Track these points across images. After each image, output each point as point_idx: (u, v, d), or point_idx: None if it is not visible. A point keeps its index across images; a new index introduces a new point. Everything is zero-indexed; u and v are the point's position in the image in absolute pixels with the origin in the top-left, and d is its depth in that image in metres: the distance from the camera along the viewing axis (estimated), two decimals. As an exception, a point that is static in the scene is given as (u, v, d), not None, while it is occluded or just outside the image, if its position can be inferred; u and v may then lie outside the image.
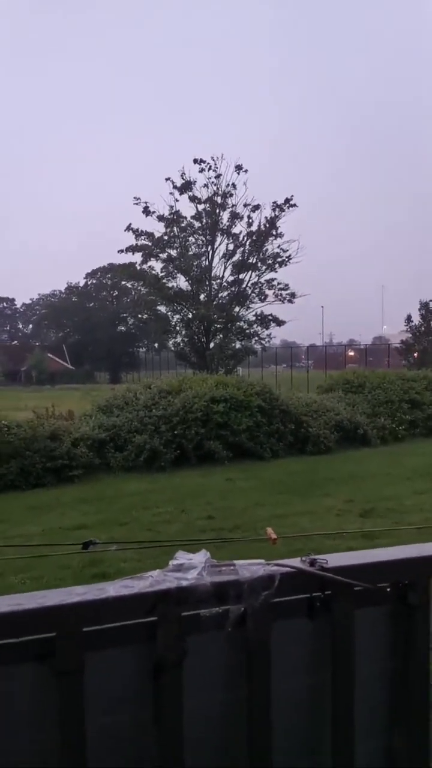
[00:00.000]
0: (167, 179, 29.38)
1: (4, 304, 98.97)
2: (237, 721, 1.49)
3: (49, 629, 1.31)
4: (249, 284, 30.44)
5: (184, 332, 31.51)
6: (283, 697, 1.51)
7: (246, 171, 29.21)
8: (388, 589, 1.62)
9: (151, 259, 30.27)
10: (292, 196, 29.52)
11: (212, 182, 29.30)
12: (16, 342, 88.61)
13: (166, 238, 29.80)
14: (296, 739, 1.57)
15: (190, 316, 30.39)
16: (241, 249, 30.05)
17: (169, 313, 31.88)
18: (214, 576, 1.42)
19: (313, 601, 1.52)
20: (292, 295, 30.35)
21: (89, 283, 74.45)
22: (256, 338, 31.75)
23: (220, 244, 30.37)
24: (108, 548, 2.87)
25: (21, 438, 11.39)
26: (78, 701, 1.33)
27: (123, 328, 67.91)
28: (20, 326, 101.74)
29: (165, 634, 1.38)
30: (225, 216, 29.87)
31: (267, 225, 29.40)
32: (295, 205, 29.39)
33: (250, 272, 30.28)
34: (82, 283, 75.52)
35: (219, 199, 29.45)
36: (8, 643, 1.29)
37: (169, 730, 1.40)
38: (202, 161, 29.06)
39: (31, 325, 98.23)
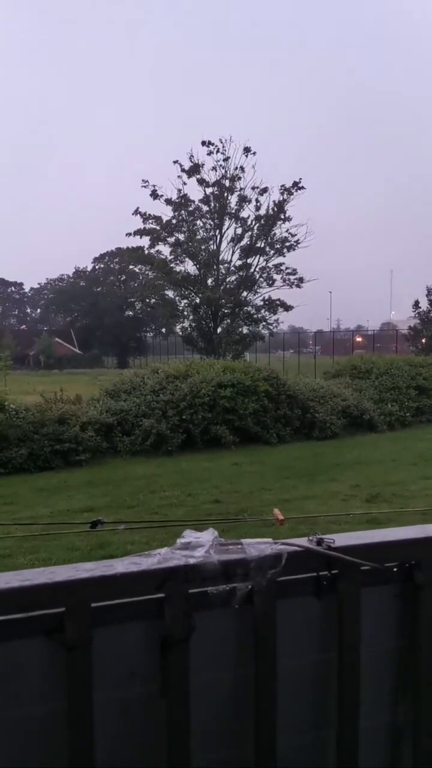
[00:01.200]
0: (175, 162, 29.16)
1: (13, 289, 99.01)
2: (243, 697, 1.52)
3: (58, 604, 1.33)
4: (257, 269, 30.27)
5: (191, 317, 31.43)
6: (289, 673, 1.53)
7: (254, 153, 28.91)
8: (395, 569, 1.63)
9: (159, 243, 30.13)
10: (301, 179, 29.23)
11: (220, 165, 29.04)
12: (24, 326, 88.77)
13: (174, 222, 29.63)
14: (302, 715, 1.60)
15: (198, 300, 30.29)
16: (249, 233, 29.84)
17: (177, 298, 31.78)
18: (222, 554, 1.43)
19: (319, 580, 1.54)
20: (300, 279, 30.15)
21: (97, 267, 74.24)
22: (264, 323, 31.63)
23: (228, 228, 30.19)
24: (116, 528, 2.91)
25: (29, 422, 11.47)
26: (86, 676, 1.35)
27: (130, 312, 67.79)
28: (28, 311, 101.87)
29: (172, 611, 1.40)
30: (233, 200, 29.63)
31: (275, 209, 29.14)
32: (303, 188, 29.10)
33: (258, 256, 30.08)
34: (89, 268, 75.37)
35: (227, 183, 29.19)
36: (18, 618, 1.31)
37: (176, 705, 1.42)
38: (210, 143, 28.78)
39: (39, 310, 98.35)
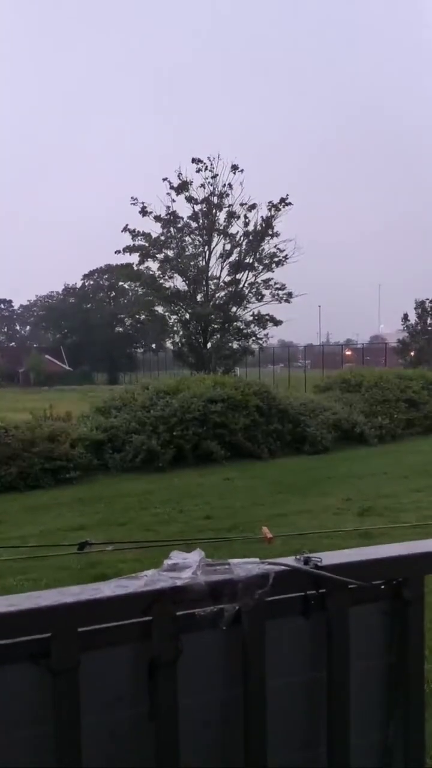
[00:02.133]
0: (164, 179, 29.45)
1: (2, 306, 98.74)
2: (232, 719, 1.50)
3: (45, 629, 1.31)
4: (246, 284, 30.52)
5: (181, 333, 31.55)
6: (278, 694, 1.52)
7: (242, 171, 29.27)
8: (383, 587, 1.63)
9: (148, 259, 30.32)
10: (288, 195, 29.60)
11: (209, 182, 29.35)
12: (13, 344, 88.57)
13: (162, 238, 29.83)
14: (292, 736, 1.58)
15: (188, 316, 30.43)
16: (238, 249, 30.10)
17: (167, 314, 31.93)
18: (209, 575, 1.43)
19: (307, 599, 1.53)
20: (289, 294, 30.41)
21: (86, 284, 74.37)
22: (254, 338, 31.81)
23: (216, 245, 30.45)
24: (104, 549, 2.88)
25: (19, 439, 11.39)
26: (74, 700, 1.33)
27: (120, 329, 67.86)
28: (18, 328, 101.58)
29: (160, 634, 1.39)
30: (221, 216, 29.92)
31: (263, 224, 29.44)
32: (290, 204, 29.46)
33: (246, 272, 30.34)
34: (79, 285, 75.47)
35: (215, 199, 29.48)
36: (4, 644, 1.30)
37: (164, 728, 1.41)
38: (199, 161, 29.10)
39: (28, 327, 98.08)
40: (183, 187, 29.35)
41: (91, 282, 73.57)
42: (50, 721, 1.33)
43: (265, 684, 1.48)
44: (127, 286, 56.32)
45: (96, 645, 1.37)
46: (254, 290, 30.61)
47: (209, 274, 30.62)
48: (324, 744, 1.57)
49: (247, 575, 1.42)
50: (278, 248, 29.71)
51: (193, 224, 30.03)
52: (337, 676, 1.56)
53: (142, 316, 35.66)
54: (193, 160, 29.10)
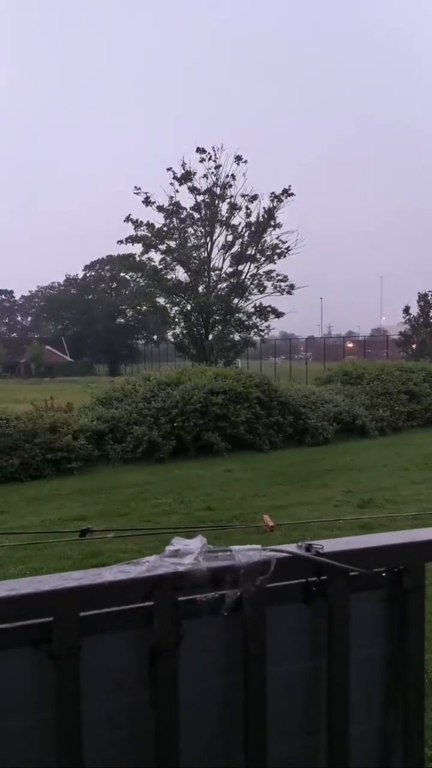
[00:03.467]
0: (168, 169, 29.27)
1: (3, 296, 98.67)
2: (233, 705, 1.51)
3: (46, 614, 1.32)
4: (248, 276, 30.37)
5: (183, 324, 31.47)
6: (279, 681, 1.53)
7: (245, 161, 29.08)
8: (384, 574, 1.64)
9: (151, 250, 30.18)
10: (290, 186, 29.41)
11: (212, 173, 29.19)
12: (14, 334, 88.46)
13: (165, 229, 29.70)
14: (292, 723, 1.59)
15: (189, 307, 30.35)
16: (240, 240, 29.96)
17: (168, 305, 31.82)
18: (211, 561, 1.43)
19: (308, 586, 1.54)
20: (291, 286, 30.28)
21: (88, 275, 74.18)
22: (255, 330, 31.70)
23: (219, 236, 30.30)
24: (105, 536, 2.90)
25: (20, 430, 11.41)
26: (75, 685, 1.34)
27: (122, 320, 67.72)
28: (19, 318, 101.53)
29: (161, 619, 1.39)
30: (224, 207, 29.77)
31: (265, 216, 29.30)
32: (292, 194, 29.28)
33: (248, 263, 30.20)
34: (80, 275, 75.29)
35: (218, 190, 29.33)
36: (5, 628, 1.30)
37: (165, 713, 1.41)
38: (203, 150, 28.92)
39: (29, 318, 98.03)
40: (186, 177, 29.20)
41: (93, 273, 73.37)
42: (51, 707, 1.34)
43: (265, 671, 1.49)
44: (128, 277, 56.23)
45: (97, 630, 1.37)
46: (256, 282, 30.49)
47: (211, 265, 30.52)
48: (324, 731, 1.58)
49: (248, 561, 1.42)
50: (280, 240, 29.59)
51: (196, 215, 29.91)
52: (337, 664, 1.56)
53: (144, 307, 35.52)
54: (197, 150, 28.93)
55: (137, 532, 5.78)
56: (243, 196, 29.29)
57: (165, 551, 1.45)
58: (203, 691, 1.50)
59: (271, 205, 29.24)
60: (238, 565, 1.42)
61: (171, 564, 1.40)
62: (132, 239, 29.86)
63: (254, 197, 29.20)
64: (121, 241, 30.22)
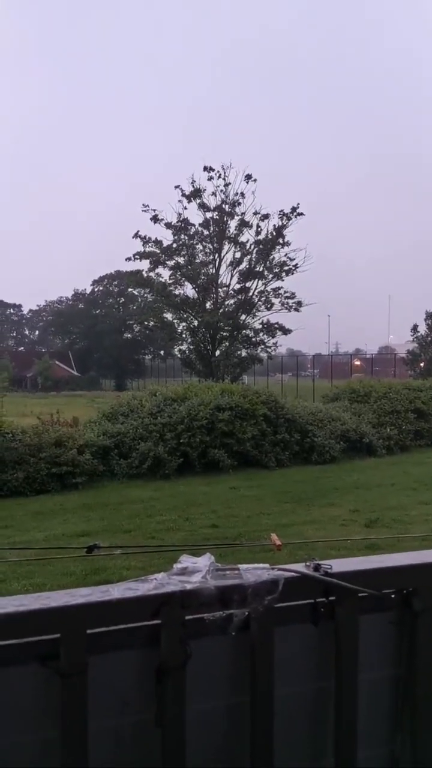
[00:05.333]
0: (176, 187, 29.59)
1: (11, 310, 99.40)
2: (240, 726, 1.48)
3: (54, 630, 1.31)
4: (255, 292, 30.51)
5: (190, 340, 31.57)
6: (286, 702, 1.50)
7: (255, 180, 29.36)
8: (393, 596, 1.61)
9: (159, 266, 30.40)
10: (299, 204, 29.65)
11: (221, 190, 29.47)
12: (22, 348, 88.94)
13: (174, 245, 29.94)
14: (299, 745, 1.56)
15: (196, 323, 30.47)
16: (248, 257, 30.15)
17: (175, 321, 31.95)
18: (218, 580, 1.41)
19: (317, 607, 1.52)
20: (299, 303, 30.39)
21: (96, 290, 74.66)
22: (262, 346, 31.75)
23: (227, 252, 30.51)
24: (112, 552, 2.87)
25: (26, 444, 11.42)
26: (81, 703, 1.32)
27: (129, 335, 67.96)
28: (27, 332, 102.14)
29: (168, 638, 1.37)
30: (233, 224, 30.01)
31: (274, 233, 29.49)
32: (302, 214, 29.50)
33: (256, 280, 30.36)
34: (88, 290, 75.77)
35: (227, 208, 29.60)
36: (12, 644, 1.29)
37: (171, 733, 1.39)
38: (211, 169, 29.24)
39: (37, 332, 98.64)
40: (195, 194, 29.49)
41: (101, 288, 73.84)
42: (57, 724, 1.32)
43: (273, 692, 1.46)
44: (136, 293, 56.58)
45: (104, 648, 1.36)
46: (264, 298, 30.62)
47: (219, 282, 30.70)
48: (331, 755, 1.55)
49: (256, 580, 1.40)
50: (288, 257, 29.77)
51: (204, 232, 30.15)
52: (345, 686, 1.53)
53: (151, 323, 35.69)
54: (205, 168, 29.26)
55: (143, 550, 5.74)
56: (255, 213, 29.52)
57: (173, 569, 1.43)
58: (210, 711, 1.47)
59: (280, 223, 29.47)
60: (246, 584, 1.40)
61: (179, 582, 1.39)
62: (140, 255, 30.11)
63: (265, 216, 29.44)
64: (130, 258, 30.49)
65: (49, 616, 1.30)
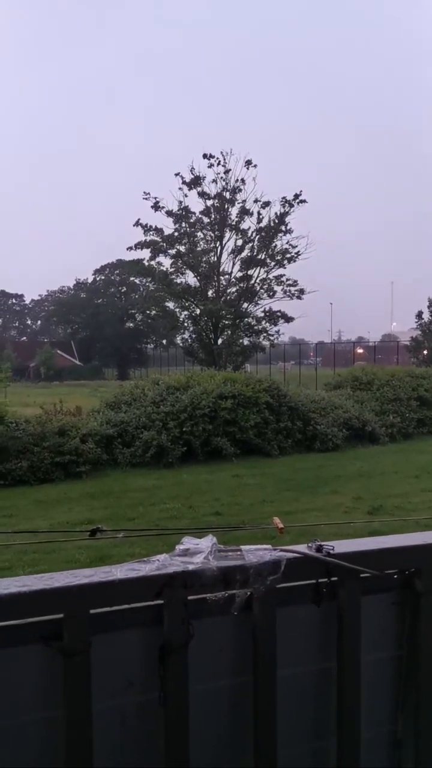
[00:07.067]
0: (176, 174, 29.37)
1: (13, 300, 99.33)
2: (242, 705, 1.50)
3: (57, 610, 1.31)
4: (257, 280, 30.38)
5: (192, 328, 31.52)
6: (288, 682, 1.51)
7: (255, 166, 29.13)
8: (395, 576, 1.62)
9: (160, 255, 30.28)
10: (301, 191, 29.42)
11: (221, 177, 29.27)
12: (24, 338, 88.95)
13: (175, 234, 29.80)
14: (301, 724, 1.58)
15: (198, 312, 30.40)
16: (250, 245, 29.99)
17: (177, 310, 31.89)
18: (221, 561, 1.42)
19: (319, 587, 1.52)
20: (301, 291, 30.25)
21: (98, 279, 74.49)
22: (265, 334, 31.66)
23: (228, 240, 30.34)
24: (116, 535, 2.89)
25: (29, 434, 11.45)
26: (85, 683, 1.33)
27: (131, 324, 67.91)
28: (29, 322, 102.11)
29: (171, 618, 1.38)
30: (234, 211, 29.82)
31: (276, 221, 29.31)
32: (304, 201, 29.29)
33: (258, 268, 30.20)
34: (90, 280, 75.65)
35: (228, 195, 29.41)
36: (16, 624, 1.30)
37: (174, 713, 1.40)
38: (211, 156, 29.02)
39: (39, 322, 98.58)
40: (195, 182, 29.29)
41: (103, 277, 73.67)
42: (61, 704, 1.33)
43: (275, 672, 1.47)
44: (138, 282, 56.43)
45: (107, 627, 1.37)
46: (266, 286, 30.49)
47: (220, 270, 30.57)
48: (334, 734, 1.57)
49: (259, 561, 1.41)
50: (290, 244, 29.60)
51: (205, 219, 29.98)
52: (347, 667, 1.54)
53: (153, 312, 35.64)
54: (205, 156, 29.04)
55: (146, 533, 5.77)
56: (256, 201, 29.32)
57: (175, 550, 1.44)
58: (212, 691, 1.48)
59: (282, 211, 29.27)
60: (248, 564, 1.41)
61: (181, 563, 1.39)
62: (141, 245, 29.98)
63: (266, 203, 29.24)
64: (131, 248, 30.36)
65: (52, 596, 1.31)
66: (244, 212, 29.50)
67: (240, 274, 30.46)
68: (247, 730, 1.49)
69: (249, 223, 29.88)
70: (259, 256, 29.97)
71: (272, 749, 1.47)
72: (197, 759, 1.42)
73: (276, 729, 1.48)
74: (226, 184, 29.31)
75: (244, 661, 1.48)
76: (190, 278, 30.47)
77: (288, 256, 29.66)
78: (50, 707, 1.34)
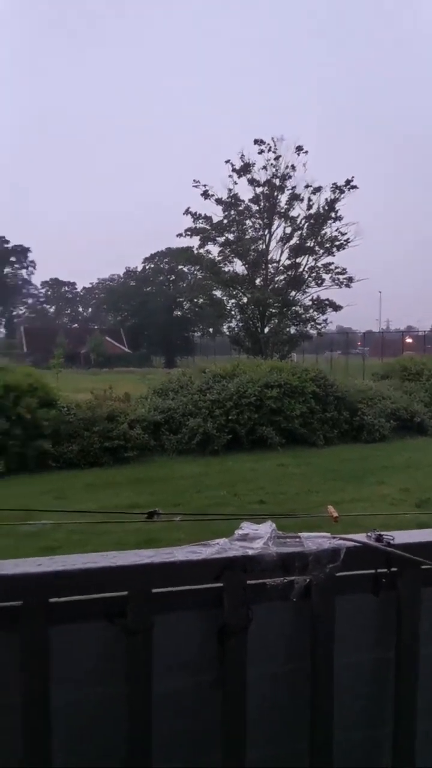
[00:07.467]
0: (227, 161, 29.26)
1: (66, 288, 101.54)
2: (299, 690, 1.52)
3: (121, 588, 1.36)
4: (306, 268, 30.03)
5: (238, 317, 31.47)
6: (345, 670, 1.52)
7: (306, 152, 28.68)
8: None
9: (209, 243, 30.28)
10: (353, 177, 28.82)
11: (271, 164, 28.95)
12: (76, 325, 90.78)
13: (224, 221, 29.71)
14: (358, 713, 1.59)
15: (245, 300, 30.30)
16: (299, 232, 29.63)
17: (224, 298, 31.87)
18: (280, 547, 1.44)
19: (378, 577, 1.52)
20: (350, 279, 29.74)
21: (147, 267, 75.14)
22: (312, 323, 31.33)
23: (277, 228, 30.08)
24: (172, 519, 2.94)
25: (80, 418, 11.74)
26: (147, 661, 1.38)
27: (179, 312, 68.28)
28: (80, 309, 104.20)
29: (231, 601, 1.41)
30: (283, 198, 29.49)
31: (326, 207, 28.82)
32: (355, 187, 28.70)
33: (307, 256, 29.84)
34: (140, 268, 76.40)
35: (277, 182, 29.09)
36: (83, 600, 1.35)
37: (232, 695, 1.43)
38: (261, 142, 28.74)
39: (90, 309, 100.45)
40: (245, 169, 29.08)
41: (152, 265, 74.24)
42: (122, 681, 1.38)
43: (332, 660, 1.48)
44: (186, 270, 56.62)
45: (168, 608, 1.40)
46: (314, 274, 30.12)
47: (269, 258, 30.35)
48: (389, 725, 1.57)
49: (318, 549, 1.42)
50: (340, 232, 29.09)
51: (254, 207, 29.76)
52: (405, 657, 1.54)
53: (200, 300, 35.73)
54: (255, 142, 28.77)
55: (203, 517, 5.83)
56: (306, 186, 28.88)
57: (234, 534, 1.47)
58: (269, 676, 1.51)
59: (333, 197, 28.75)
60: (307, 551, 1.42)
61: (240, 547, 1.42)
62: (191, 231, 30.03)
63: (317, 189, 28.77)
64: (180, 235, 30.45)
65: (117, 574, 1.35)
66: (294, 198, 29.12)
67: (288, 262, 30.21)
68: (304, 715, 1.50)
69: (298, 210, 29.52)
70: (308, 244, 29.58)
71: (328, 735, 1.49)
72: (254, 741, 1.45)
73: (332, 713, 1.49)
74: (276, 170, 29.00)
75: (302, 648, 1.50)
76: (238, 266, 30.40)
77: (337, 243, 29.18)
78: (112, 684, 1.39)
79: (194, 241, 30.85)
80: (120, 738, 1.39)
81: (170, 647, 1.43)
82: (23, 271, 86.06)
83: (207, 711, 1.46)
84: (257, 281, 30.24)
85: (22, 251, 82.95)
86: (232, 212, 29.76)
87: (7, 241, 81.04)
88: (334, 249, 29.37)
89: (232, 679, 1.43)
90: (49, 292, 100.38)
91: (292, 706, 1.53)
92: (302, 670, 1.50)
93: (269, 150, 28.79)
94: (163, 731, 1.42)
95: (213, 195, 29.31)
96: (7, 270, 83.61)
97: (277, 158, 28.85)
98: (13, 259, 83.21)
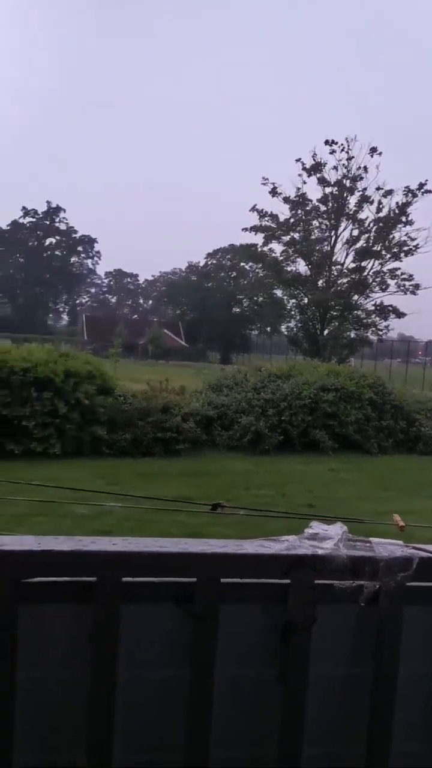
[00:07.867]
0: (297, 160, 29.03)
1: (128, 279, 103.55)
2: (358, 696, 1.49)
3: (190, 574, 1.37)
4: (370, 272, 29.47)
5: (298, 317, 31.23)
6: (408, 679, 1.49)
7: (380, 153, 28.11)
8: None
9: (273, 241, 30.16)
10: (427, 180, 28.02)
11: (343, 164, 28.52)
12: (136, 316, 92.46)
13: (292, 220, 29.50)
14: (417, 724, 1.55)
15: (306, 301, 30.02)
16: (366, 235, 29.09)
17: (285, 298, 31.70)
18: (350, 550, 1.42)
19: None
20: (416, 286, 29.00)
21: (209, 263, 75.62)
22: (373, 329, 30.75)
23: (344, 230, 29.63)
24: (236, 512, 2.96)
25: (135, 408, 11.95)
26: (211, 648, 1.39)
27: (238, 309, 68.43)
28: (141, 301, 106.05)
29: (297, 598, 1.40)
30: (352, 200, 29.01)
31: (397, 211, 28.16)
32: (429, 191, 27.88)
33: (372, 260, 29.28)
34: (202, 263, 76.98)
35: (348, 183, 28.63)
36: (152, 582, 1.38)
37: (293, 692, 1.43)
38: (333, 142, 28.35)
39: (150, 301, 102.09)
40: (316, 168, 28.77)
41: (214, 261, 74.65)
42: (186, 665, 1.39)
43: (397, 669, 1.45)
44: (248, 267, 56.64)
45: (235, 598, 1.41)
46: (378, 279, 29.52)
47: (333, 260, 29.94)
48: None
49: (389, 555, 1.39)
50: (409, 236, 28.36)
51: (322, 207, 29.41)
52: None
53: (261, 298, 35.69)
54: (326, 142, 28.41)
55: (267, 514, 5.81)
56: (377, 189, 28.32)
57: (304, 533, 1.45)
58: (329, 677, 1.49)
59: (405, 200, 28.06)
60: (378, 557, 1.40)
61: (310, 546, 1.40)
62: (256, 229, 29.98)
63: (389, 192, 28.16)
64: (246, 229, 30.43)
65: (187, 560, 1.37)
66: (364, 200, 28.62)
67: (353, 265, 29.73)
68: (362, 721, 1.48)
69: (367, 213, 28.99)
70: (375, 248, 29.02)
71: (386, 743, 1.46)
72: (309, 740, 1.44)
73: (392, 723, 1.46)
74: (347, 171, 28.55)
75: (365, 653, 1.47)
76: (301, 266, 30.16)
77: (406, 248, 28.48)
78: (174, 666, 1.41)
79: (258, 239, 30.83)
80: (180, 720, 1.40)
81: (233, 637, 1.43)
82: (89, 261, 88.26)
83: (266, 704, 1.46)
84: (320, 282, 29.90)
85: (88, 241, 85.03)
86: (299, 211, 29.52)
87: (76, 231, 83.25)
88: (402, 254, 28.69)
89: (293, 675, 1.42)
90: (111, 283, 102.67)
91: (351, 710, 1.51)
92: (363, 674, 1.47)
93: (342, 150, 28.39)
94: (221, 719, 1.42)
95: (281, 193, 29.18)
96: (73, 259, 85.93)
97: (349, 159, 28.42)
98: (80, 248, 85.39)
